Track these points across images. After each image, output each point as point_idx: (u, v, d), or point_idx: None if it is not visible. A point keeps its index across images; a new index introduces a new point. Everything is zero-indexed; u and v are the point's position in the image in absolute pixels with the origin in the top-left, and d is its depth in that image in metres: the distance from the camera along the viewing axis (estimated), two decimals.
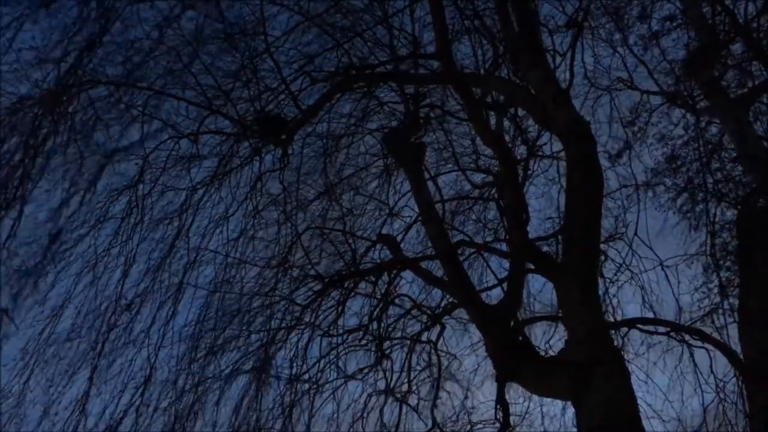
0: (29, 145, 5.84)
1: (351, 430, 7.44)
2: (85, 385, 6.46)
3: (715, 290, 8.56)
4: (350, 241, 7.62)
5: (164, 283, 6.90)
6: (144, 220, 6.75)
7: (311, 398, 7.27)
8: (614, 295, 8.17)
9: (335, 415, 7.44)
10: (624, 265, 8.15)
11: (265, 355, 7.20)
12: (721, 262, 8.77)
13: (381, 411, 7.42)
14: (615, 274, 8.16)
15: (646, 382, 7.50)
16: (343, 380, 7.45)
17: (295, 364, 7.28)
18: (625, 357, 7.10)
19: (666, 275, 7.75)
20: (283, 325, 7.35)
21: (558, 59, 6.74)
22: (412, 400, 7.48)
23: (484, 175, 8.59)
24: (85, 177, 6.43)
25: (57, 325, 6.51)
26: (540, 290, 8.31)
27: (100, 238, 6.73)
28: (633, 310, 8.25)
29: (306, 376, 7.27)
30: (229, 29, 6.40)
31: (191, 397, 6.94)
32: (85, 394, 6.42)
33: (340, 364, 7.38)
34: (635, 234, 7.89)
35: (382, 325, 7.39)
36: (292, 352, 7.31)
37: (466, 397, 7.98)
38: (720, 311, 8.06)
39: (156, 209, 6.98)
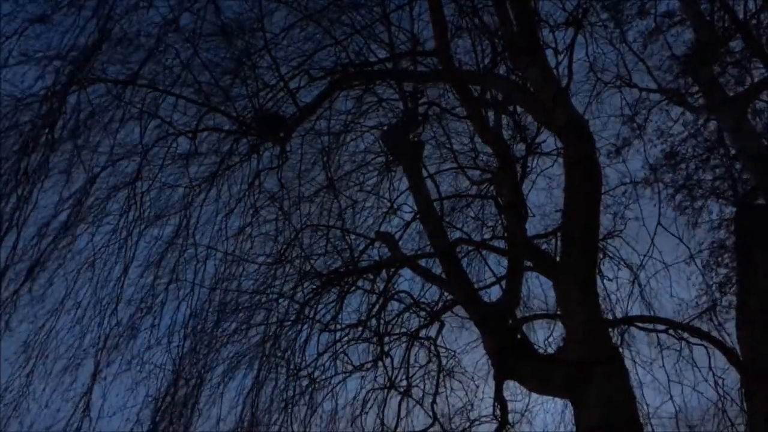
0: (29, 142, 5.82)
1: (351, 426, 7.46)
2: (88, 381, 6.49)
3: (714, 287, 8.58)
4: (348, 238, 7.61)
5: (163, 280, 6.91)
6: (143, 217, 6.75)
7: (310, 394, 7.29)
8: (613, 293, 8.21)
9: (334, 412, 7.47)
10: (624, 263, 8.17)
11: (263, 352, 7.20)
12: (719, 258, 8.78)
13: (381, 408, 7.42)
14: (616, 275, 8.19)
15: (639, 384, 7.52)
16: (342, 376, 7.46)
17: (293, 361, 7.29)
18: (626, 355, 7.12)
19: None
20: (282, 321, 7.36)
21: (558, 57, 6.70)
22: (413, 395, 7.49)
23: (483, 173, 8.57)
24: (83, 175, 6.41)
25: (57, 320, 6.53)
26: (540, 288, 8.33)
27: (98, 235, 6.75)
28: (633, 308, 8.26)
29: (305, 372, 7.28)
30: (226, 27, 6.36)
31: (191, 394, 6.95)
32: (88, 391, 6.43)
33: (339, 360, 7.39)
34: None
35: (381, 321, 7.39)
36: (290, 350, 7.32)
37: (473, 392, 7.97)
38: (719, 308, 8.09)
39: (155, 206, 6.99)
